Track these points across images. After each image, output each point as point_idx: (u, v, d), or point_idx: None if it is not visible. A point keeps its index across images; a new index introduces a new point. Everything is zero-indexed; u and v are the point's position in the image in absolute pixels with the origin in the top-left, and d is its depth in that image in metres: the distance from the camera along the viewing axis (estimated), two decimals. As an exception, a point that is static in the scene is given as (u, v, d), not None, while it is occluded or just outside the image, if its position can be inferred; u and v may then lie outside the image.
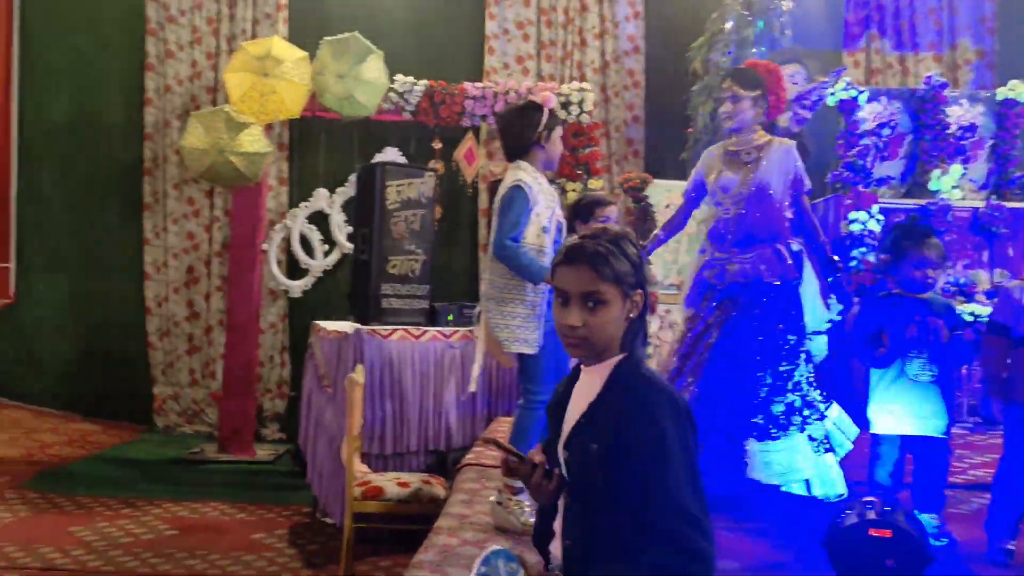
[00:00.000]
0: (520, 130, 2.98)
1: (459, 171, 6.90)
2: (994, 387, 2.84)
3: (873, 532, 2.31)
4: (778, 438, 3.18)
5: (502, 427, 4.55)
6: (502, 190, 2.96)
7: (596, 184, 6.71)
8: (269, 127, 6.51)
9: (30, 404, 7.11)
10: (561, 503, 1.67)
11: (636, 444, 1.54)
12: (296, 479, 5.72)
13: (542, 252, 2.94)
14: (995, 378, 2.84)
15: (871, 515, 2.34)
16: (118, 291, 7.26)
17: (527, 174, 2.94)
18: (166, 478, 5.76)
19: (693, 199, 3.73)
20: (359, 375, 3.93)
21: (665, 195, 6.28)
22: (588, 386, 1.64)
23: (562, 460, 1.65)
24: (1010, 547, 2.76)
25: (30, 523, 4.67)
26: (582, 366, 1.69)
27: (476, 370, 3.33)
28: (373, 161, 6.34)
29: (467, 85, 6.78)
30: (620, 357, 1.64)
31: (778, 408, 3.22)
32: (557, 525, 1.69)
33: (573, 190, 6.37)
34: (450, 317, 5.26)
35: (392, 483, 3.84)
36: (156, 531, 4.59)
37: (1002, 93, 6.24)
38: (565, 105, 6.67)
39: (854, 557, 2.31)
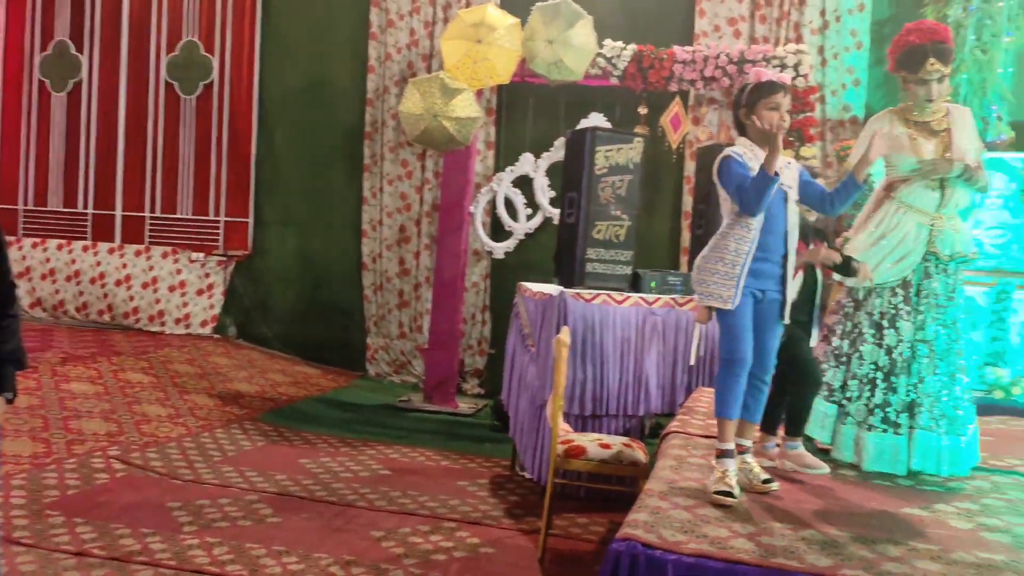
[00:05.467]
0: (734, 111, 3.15)
1: (664, 137, 6.81)
2: None
3: None
4: None
5: (705, 396, 4.50)
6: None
7: (808, 152, 6.39)
8: (480, 93, 6.71)
9: (263, 347, 7.89)
10: None
11: None
12: (495, 433, 5.98)
13: (747, 216, 2.99)
14: None
15: None
16: (339, 247, 7.85)
17: (740, 147, 3.05)
18: (378, 422, 6.20)
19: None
20: (565, 336, 4.01)
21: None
22: None
23: None
24: None
25: (266, 452, 5.21)
26: None
27: (696, 339, 3.50)
28: (579, 126, 6.39)
29: (676, 49, 6.64)
30: None
31: None
32: None
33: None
34: (652, 284, 5.23)
35: (594, 444, 3.90)
36: (371, 469, 4.97)
37: None
38: (780, 69, 6.37)
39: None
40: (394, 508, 4.29)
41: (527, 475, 4.88)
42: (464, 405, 6.77)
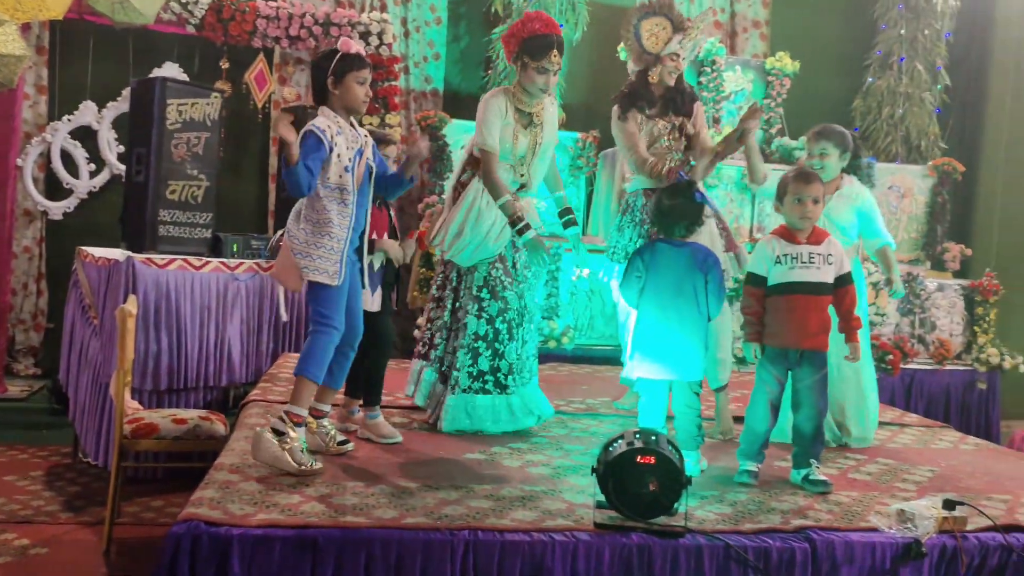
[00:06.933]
0: (315, 76, 3.03)
1: (249, 94, 6.51)
2: (750, 331, 3.14)
3: (640, 459, 2.50)
4: None
5: (289, 362, 4.43)
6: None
7: (393, 120, 6.60)
8: (27, 27, 5.78)
9: None
10: None
11: None
12: (54, 417, 5.30)
13: (344, 191, 2.94)
14: (751, 323, 3.14)
15: (638, 444, 2.54)
16: None
17: (324, 119, 2.95)
18: None
19: None
20: (131, 306, 3.66)
21: (463, 136, 6.28)
22: None
23: None
24: (754, 469, 3.10)
25: None
26: None
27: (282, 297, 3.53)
28: (151, 76, 5.84)
29: (259, 3, 6.37)
30: None
31: None
32: None
33: (370, 124, 6.22)
34: (235, 248, 5.02)
35: (167, 420, 3.64)
36: None
37: (770, 63, 6.82)
38: (364, 36, 6.47)
39: (622, 482, 2.50)
40: (-89, 520, 3.57)
41: (91, 461, 4.39)
42: (15, 388, 5.85)
